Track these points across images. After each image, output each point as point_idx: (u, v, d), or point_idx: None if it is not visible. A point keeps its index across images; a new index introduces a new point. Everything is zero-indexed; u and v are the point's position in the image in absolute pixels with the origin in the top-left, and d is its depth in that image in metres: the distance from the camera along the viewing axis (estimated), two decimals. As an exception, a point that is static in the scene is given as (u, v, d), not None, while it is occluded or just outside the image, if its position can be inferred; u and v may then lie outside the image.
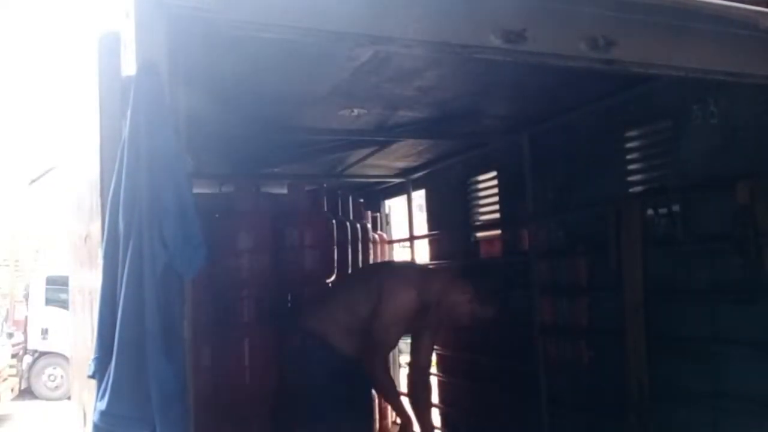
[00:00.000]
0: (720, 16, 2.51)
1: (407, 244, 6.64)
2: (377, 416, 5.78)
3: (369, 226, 6.11)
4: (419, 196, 6.47)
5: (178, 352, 1.76)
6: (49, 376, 13.22)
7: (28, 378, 13.16)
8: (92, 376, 1.79)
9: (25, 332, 13.42)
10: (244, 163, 5.61)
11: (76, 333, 3.33)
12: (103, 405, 1.68)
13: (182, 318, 1.83)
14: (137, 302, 1.70)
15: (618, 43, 2.45)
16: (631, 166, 3.95)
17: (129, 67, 1.92)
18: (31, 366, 13.25)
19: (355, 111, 4.14)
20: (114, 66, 2.02)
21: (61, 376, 13.04)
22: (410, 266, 5.52)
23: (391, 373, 6.85)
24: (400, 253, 8.07)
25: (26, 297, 13.85)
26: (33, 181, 14.25)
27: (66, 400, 11.48)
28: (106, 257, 1.80)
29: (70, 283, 3.94)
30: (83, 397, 2.74)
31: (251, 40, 2.54)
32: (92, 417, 1.73)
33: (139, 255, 1.71)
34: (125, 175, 1.77)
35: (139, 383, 1.69)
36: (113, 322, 1.72)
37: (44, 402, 12.69)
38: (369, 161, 5.62)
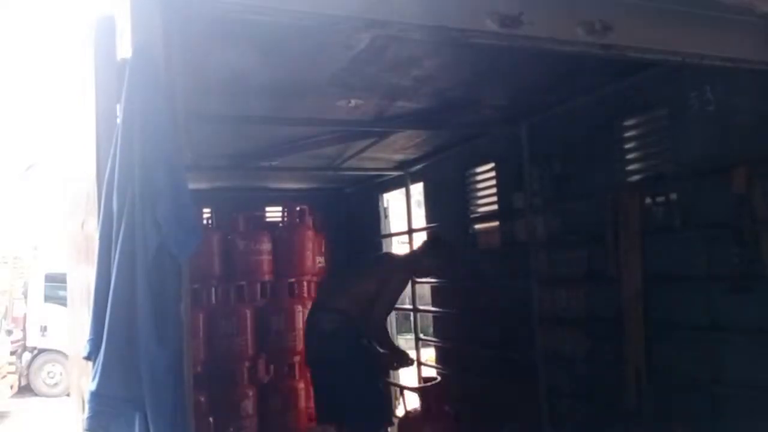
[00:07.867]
0: (716, 0, 2.52)
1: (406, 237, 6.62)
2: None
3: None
4: (418, 192, 6.47)
5: (171, 335, 1.75)
6: (48, 373, 13.18)
7: (27, 375, 13.12)
8: (87, 357, 1.78)
9: (24, 329, 13.38)
10: (242, 156, 5.60)
11: (74, 322, 3.32)
12: (93, 386, 1.67)
13: (179, 300, 1.82)
14: (129, 283, 1.69)
15: (614, 28, 2.45)
16: (629, 155, 3.95)
17: (124, 50, 1.92)
18: (30, 363, 13.21)
19: (353, 102, 4.12)
20: (110, 50, 2.02)
21: (60, 373, 13.00)
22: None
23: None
24: (398, 248, 8.06)
25: (25, 294, 13.80)
26: (29, 167, 14.15)
27: (65, 397, 11.47)
28: (101, 239, 1.79)
29: (68, 273, 3.93)
30: (81, 384, 2.74)
31: (247, 27, 2.53)
32: (85, 398, 1.73)
33: (131, 236, 1.70)
34: (119, 158, 1.77)
35: (130, 365, 1.68)
36: (107, 304, 1.71)
37: (43, 399, 12.66)
38: (367, 153, 5.60)
